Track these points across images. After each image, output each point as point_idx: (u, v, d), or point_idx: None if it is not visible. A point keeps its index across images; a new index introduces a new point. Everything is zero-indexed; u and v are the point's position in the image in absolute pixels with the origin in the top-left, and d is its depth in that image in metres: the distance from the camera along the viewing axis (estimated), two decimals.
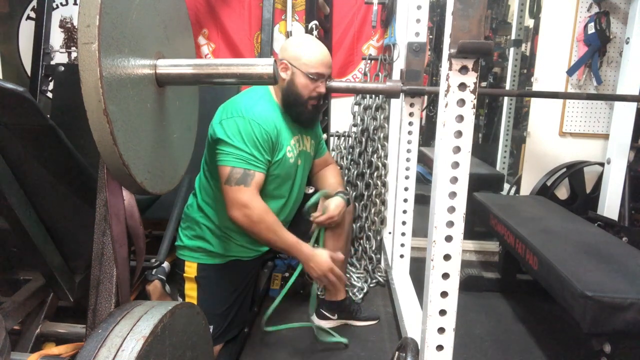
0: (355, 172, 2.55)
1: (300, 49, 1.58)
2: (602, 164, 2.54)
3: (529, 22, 4.01)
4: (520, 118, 4.19)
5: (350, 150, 2.59)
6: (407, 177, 2.07)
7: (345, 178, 2.56)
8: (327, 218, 1.66)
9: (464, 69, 0.97)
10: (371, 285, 2.34)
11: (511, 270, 2.30)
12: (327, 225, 1.71)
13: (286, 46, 1.62)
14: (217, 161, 1.49)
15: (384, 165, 2.51)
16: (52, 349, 1.04)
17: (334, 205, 1.68)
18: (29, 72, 2.57)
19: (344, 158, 2.61)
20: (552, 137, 2.69)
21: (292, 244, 1.53)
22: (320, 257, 1.55)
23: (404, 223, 2.10)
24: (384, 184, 2.53)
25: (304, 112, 1.62)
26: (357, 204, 2.52)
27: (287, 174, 1.63)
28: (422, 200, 2.08)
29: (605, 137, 2.56)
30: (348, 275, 2.30)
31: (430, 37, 4.23)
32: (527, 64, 4.16)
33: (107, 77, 0.79)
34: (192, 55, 1.27)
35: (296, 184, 1.71)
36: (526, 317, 2.07)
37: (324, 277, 1.55)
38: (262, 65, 1.00)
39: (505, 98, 3.89)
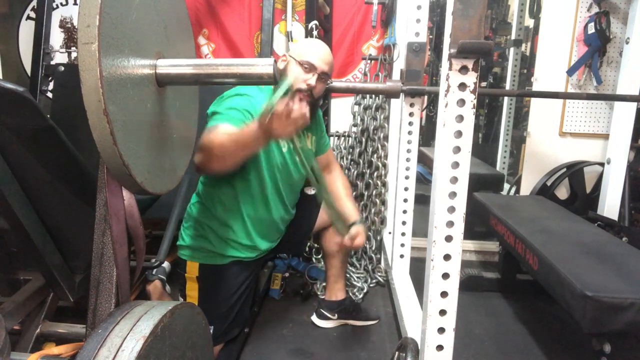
0: (355, 172, 2.55)
1: (302, 43, 1.66)
2: (602, 164, 2.54)
3: (529, 22, 4.01)
4: (520, 118, 4.19)
5: (350, 150, 2.58)
6: (407, 177, 2.07)
7: None
8: (354, 245, 1.59)
9: (464, 69, 0.97)
10: (371, 285, 2.34)
11: (511, 270, 2.30)
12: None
13: (293, 44, 1.68)
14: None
15: (384, 165, 2.51)
16: (52, 349, 1.04)
17: (360, 235, 1.59)
18: (29, 72, 2.57)
19: (344, 158, 2.60)
20: (552, 137, 2.69)
21: (245, 132, 1.22)
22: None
23: (404, 223, 2.10)
24: (384, 184, 2.53)
25: None
26: (357, 204, 2.52)
27: (276, 165, 1.58)
28: (422, 200, 2.08)
29: (605, 137, 2.56)
30: (348, 275, 2.30)
31: (430, 37, 4.22)
32: (527, 64, 4.16)
33: (107, 77, 0.79)
34: (192, 55, 1.27)
35: (293, 181, 1.68)
36: (526, 317, 2.07)
37: (287, 118, 1.14)
38: (262, 65, 1.00)
39: (505, 98, 3.89)
